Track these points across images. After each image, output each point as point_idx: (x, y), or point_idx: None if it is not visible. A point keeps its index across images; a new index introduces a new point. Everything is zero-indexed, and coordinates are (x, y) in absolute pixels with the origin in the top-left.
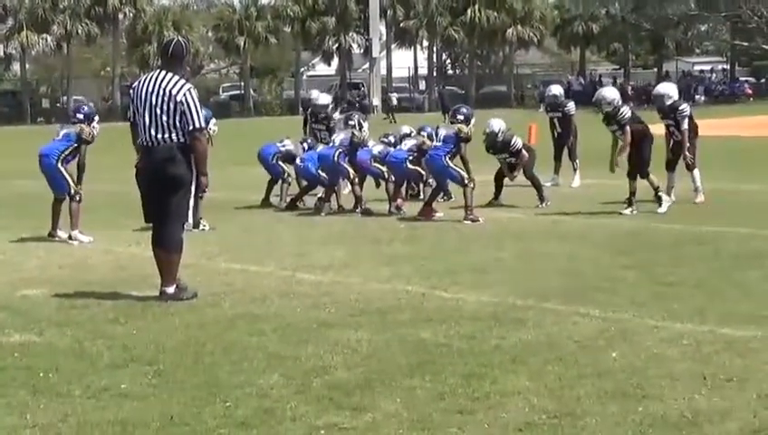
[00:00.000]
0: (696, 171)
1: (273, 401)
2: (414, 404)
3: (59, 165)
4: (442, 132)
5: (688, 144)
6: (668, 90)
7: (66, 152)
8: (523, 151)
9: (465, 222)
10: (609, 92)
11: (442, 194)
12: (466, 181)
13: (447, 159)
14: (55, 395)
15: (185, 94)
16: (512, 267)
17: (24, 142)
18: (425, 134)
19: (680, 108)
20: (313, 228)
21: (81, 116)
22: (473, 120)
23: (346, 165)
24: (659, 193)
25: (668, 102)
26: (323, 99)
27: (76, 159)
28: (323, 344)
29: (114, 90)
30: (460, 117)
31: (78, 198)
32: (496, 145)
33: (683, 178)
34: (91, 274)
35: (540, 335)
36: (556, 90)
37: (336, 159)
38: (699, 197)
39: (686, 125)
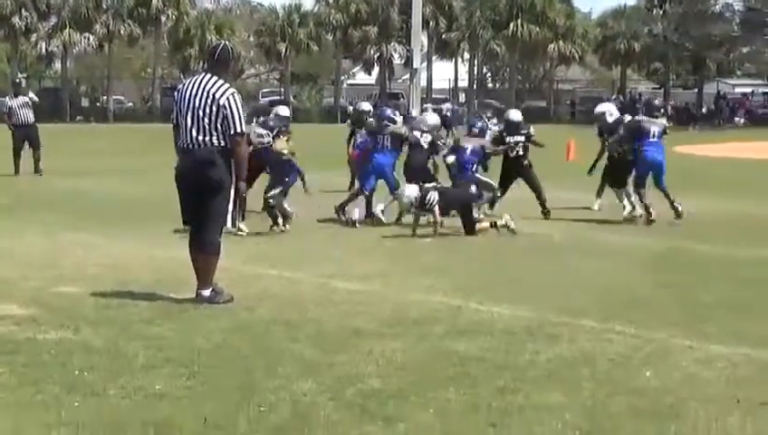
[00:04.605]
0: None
1: (307, 407)
2: (447, 416)
3: None
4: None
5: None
6: (608, 108)
7: None
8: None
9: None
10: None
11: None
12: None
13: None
14: (90, 394)
15: (228, 98)
16: (547, 283)
17: (63, 140)
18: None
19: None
20: (352, 238)
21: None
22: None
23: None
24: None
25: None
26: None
27: None
28: (358, 353)
29: (154, 91)
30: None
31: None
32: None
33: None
34: (127, 274)
35: (574, 351)
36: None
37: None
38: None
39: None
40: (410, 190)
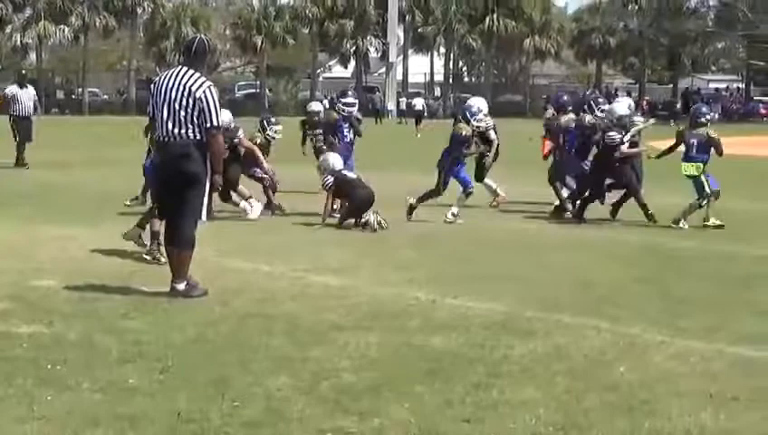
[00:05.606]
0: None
1: (281, 402)
2: (421, 411)
3: None
4: None
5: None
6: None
7: None
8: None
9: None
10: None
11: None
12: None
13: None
14: (63, 388)
15: (204, 91)
16: (523, 277)
17: (38, 133)
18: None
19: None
20: (327, 231)
21: None
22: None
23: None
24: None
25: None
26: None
27: None
28: (332, 347)
29: (130, 83)
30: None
31: None
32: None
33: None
34: (102, 267)
35: (549, 347)
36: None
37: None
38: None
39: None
40: (334, 158)
